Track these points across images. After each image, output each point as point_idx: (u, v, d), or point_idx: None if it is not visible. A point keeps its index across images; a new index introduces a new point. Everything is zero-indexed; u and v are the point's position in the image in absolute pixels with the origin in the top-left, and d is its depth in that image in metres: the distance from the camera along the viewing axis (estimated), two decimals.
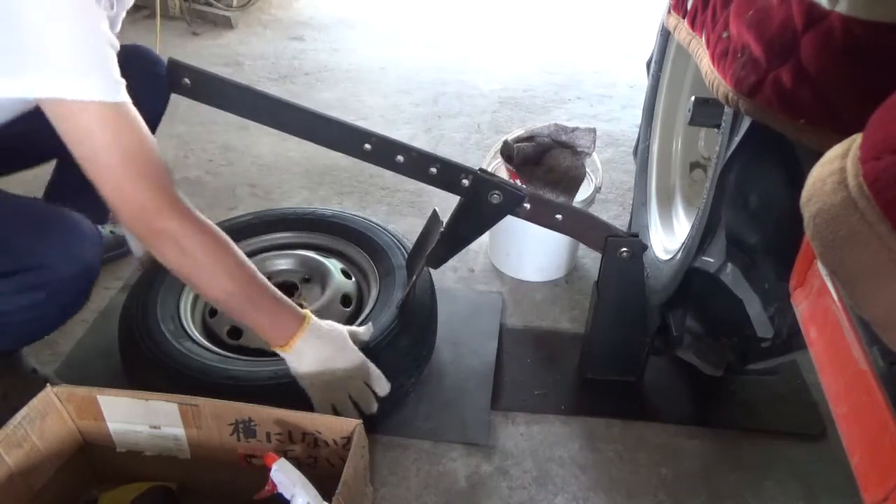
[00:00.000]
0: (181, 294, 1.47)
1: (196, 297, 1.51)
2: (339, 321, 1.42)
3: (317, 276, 1.54)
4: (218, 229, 1.14)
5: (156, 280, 1.44)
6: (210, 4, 3.60)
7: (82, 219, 1.23)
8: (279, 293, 1.22)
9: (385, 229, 1.63)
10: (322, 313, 1.41)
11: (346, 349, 1.24)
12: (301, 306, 1.44)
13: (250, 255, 1.59)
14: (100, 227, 1.66)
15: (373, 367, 1.26)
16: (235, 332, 1.40)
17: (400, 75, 3.11)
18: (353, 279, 1.56)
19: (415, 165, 1.32)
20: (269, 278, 1.53)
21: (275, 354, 1.33)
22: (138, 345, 1.33)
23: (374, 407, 1.26)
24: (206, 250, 1.10)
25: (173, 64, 1.25)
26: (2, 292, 1.12)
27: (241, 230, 1.64)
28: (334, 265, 1.55)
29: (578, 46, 3.47)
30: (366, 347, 1.30)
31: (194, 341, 1.36)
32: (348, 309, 1.47)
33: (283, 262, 1.59)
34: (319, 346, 1.22)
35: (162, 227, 1.07)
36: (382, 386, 1.26)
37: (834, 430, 1.23)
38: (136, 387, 1.22)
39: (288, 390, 1.22)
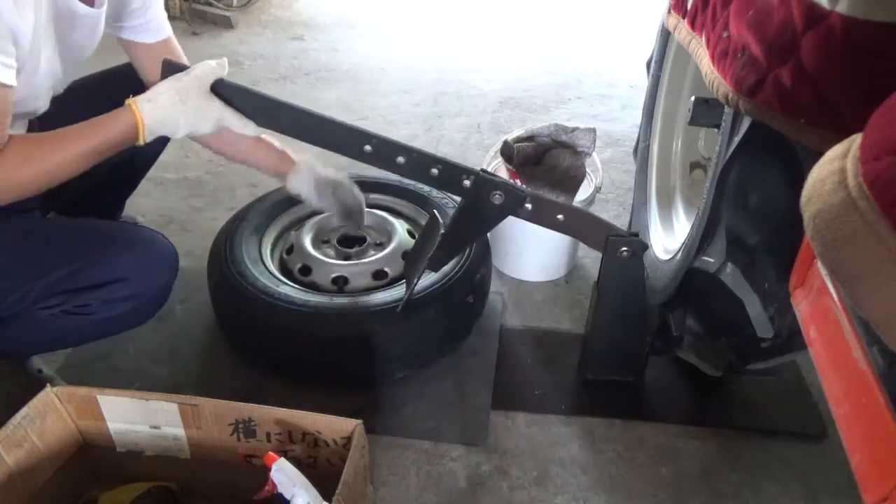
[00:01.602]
0: (262, 239, 1.64)
1: (275, 242, 1.68)
2: (395, 271, 1.57)
3: (382, 231, 1.67)
4: (14, 139, 1.10)
5: (237, 230, 1.61)
6: (210, 4, 3.60)
7: (166, 240, 1.30)
8: (85, 122, 1.16)
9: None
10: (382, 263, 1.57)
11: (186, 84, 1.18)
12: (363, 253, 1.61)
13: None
14: None
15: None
16: (305, 269, 1.56)
17: (400, 75, 3.11)
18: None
19: (416, 167, 1.31)
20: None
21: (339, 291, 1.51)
22: (235, 287, 1.46)
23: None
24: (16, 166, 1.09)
25: (168, 64, 1.23)
26: (88, 303, 1.20)
27: None
28: (402, 225, 1.69)
29: (578, 46, 3.47)
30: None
31: (278, 279, 1.51)
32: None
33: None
34: (164, 95, 1.16)
35: None
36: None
37: (834, 430, 1.23)
38: (229, 327, 1.56)
39: (361, 319, 1.40)
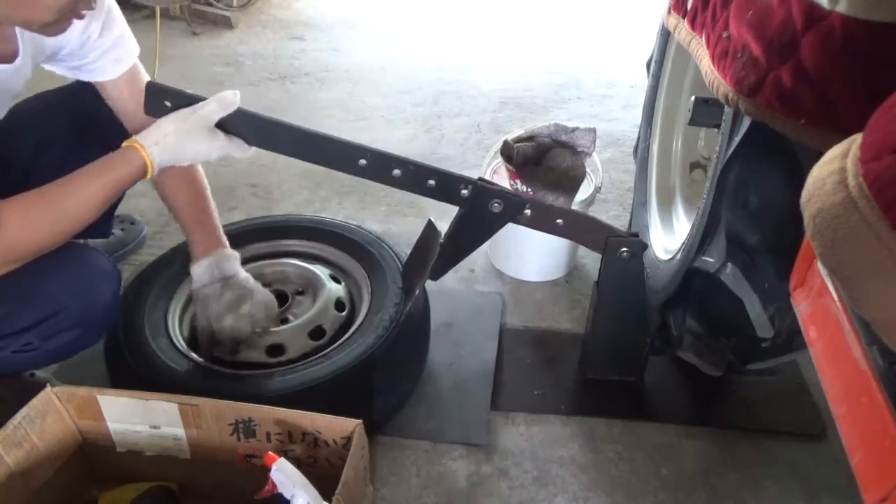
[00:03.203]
0: (168, 307, 1.45)
1: (183, 312, 1.48)
2: (333, 326, 1.42)
3: (308, 287, 1.51)
4: (5, 204, 1.06)
5: (142, 295, 1.43)
6: (210, 4, 3.60)
7: (97, 255, 1.24)
8: (88, 167, 1.14)
9: (366, 229, 1.62)
10: (315, 320, 1.41)
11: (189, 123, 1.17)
12: (287, 320, 1.42)
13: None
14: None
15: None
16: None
17: (400, 75, 3.11)
18: (343, 284, 1.54)
19: (412, 179, 1.28)
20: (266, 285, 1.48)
21: (269, 366, 1.32)
22: (129, 365, 1.30)
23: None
24: (22, 229, 1.06)
25: (152, 87, 1.19)
26: (29, 342, 1.15)
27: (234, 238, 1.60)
28: (323, 272, 1.53)
29: (578, 46, 3.47)
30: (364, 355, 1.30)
31: (185, 356, 1.33)
32: (342, 313, 1.46)
33: (270, 272, 1.56)
34: (170, 138, 1.15)
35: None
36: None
37: (834, 430, 1.23)
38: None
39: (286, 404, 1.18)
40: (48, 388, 1.13)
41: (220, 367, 1.33)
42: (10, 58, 1.15)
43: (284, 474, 0.98)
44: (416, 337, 1.46)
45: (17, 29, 1.13)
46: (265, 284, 1.50)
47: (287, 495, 0.98)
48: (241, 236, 1.61)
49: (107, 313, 1.22)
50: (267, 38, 3.50)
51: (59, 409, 1.14)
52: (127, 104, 1.32)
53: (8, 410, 1.10)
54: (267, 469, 0.99)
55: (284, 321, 1.43)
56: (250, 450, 1.14)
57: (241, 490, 1.11)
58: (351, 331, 1.38)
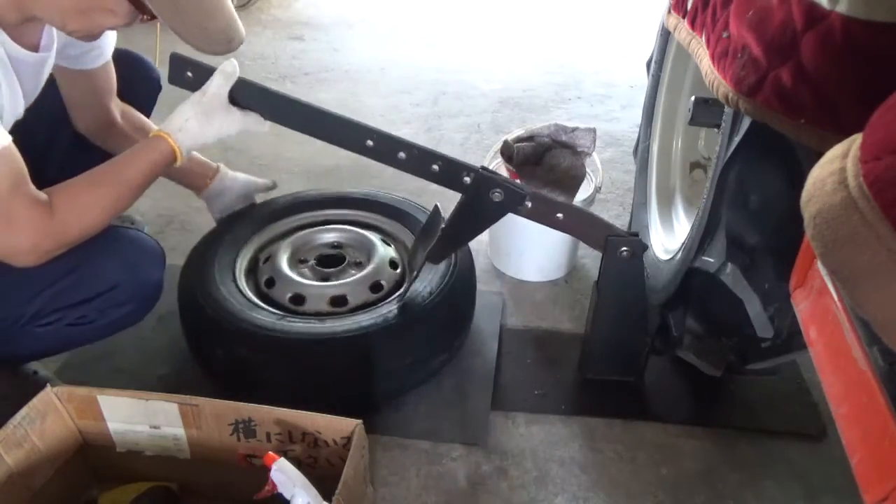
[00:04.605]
0: (236, 260, 1.54)
1: (250, 269, 1.57)
2: (389, 281, 1.50)
3: (362, 250, 1.59)
4: (54, 191, 1.12)
5: (210, 252, 1.52)
6: None
7: (146, 237, 1.31)
8: (122, 155, 1.22)
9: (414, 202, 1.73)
10: (373, 275, 1.49)
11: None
12: (348, 274, 1.51)
13: (299, 229, 1.66)
14: None
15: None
16: (298, 299, 1.45)
17: (400, 75, 3.11)
18: (393, 247, 1.62)
19: (417, 162, 1.34)
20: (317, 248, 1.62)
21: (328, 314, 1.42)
22: (203, 309, 1.38)
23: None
24: (74, 217, 1.12)
25: (176, 58, 1.29)
26: (86, 314, 1.20)
27: (290, 208, 1.72)
28: (375, 237, 1.62)
29: (578, 46, 3.47)
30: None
31: (255, 304, 1.42)
32: (397, 271, 1.53)
33: (329, 236, 1.65)
34: (192, 121, 1.25)
35: (47, 248, 1.10)
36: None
37: (834, 430, 1.23)
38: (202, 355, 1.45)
39: (350, 344, 1.31)
40: (48, 388, 1.13)
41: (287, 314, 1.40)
42: (35, 47, 1.20)
43: (284, 474, 0.98)
44: (465, 292, 1.55)
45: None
46: (323, 247, 1.63)
47: (287, 495, 0.98)
48: (301, 205, 1.73)
49: (156, 290, 1.28)
50: (267, 38, 3.50)
51: (59, 409, 1.14)
52: (104, 87, 1.44)
53: (10, 408, 1.10)
54: (267, 469, 1.00)
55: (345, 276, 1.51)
56: (250, 450, 1.14)
57: (241, 490, 1.11)
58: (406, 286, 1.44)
